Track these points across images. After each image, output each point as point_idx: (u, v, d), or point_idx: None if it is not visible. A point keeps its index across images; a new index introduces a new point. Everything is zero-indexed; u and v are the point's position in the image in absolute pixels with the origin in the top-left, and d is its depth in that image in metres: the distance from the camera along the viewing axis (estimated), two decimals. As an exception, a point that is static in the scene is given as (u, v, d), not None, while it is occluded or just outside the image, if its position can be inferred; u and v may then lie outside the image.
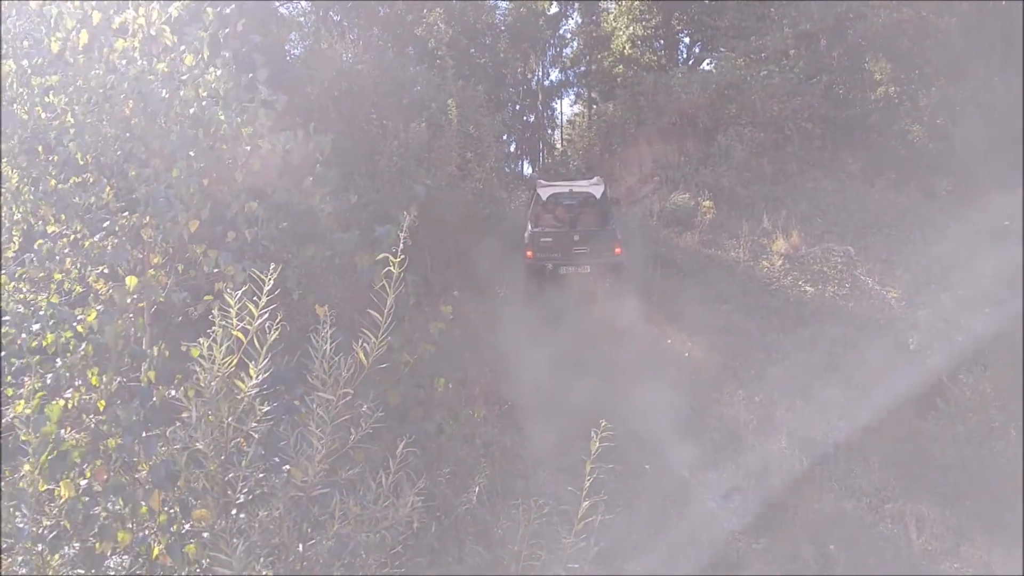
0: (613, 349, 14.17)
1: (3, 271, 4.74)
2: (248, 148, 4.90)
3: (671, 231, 20.02)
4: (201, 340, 3.43)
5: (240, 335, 3.39)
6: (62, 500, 3.54)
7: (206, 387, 3.38)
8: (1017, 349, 11.49)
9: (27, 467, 3.50)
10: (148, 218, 4.64)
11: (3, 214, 4.91)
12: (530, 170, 37.54)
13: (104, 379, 4.28)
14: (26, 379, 4.60)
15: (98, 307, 4.40)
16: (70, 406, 4.28)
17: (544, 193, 17.74)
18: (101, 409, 4.01)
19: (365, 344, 3.56)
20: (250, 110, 5.03)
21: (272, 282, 3.63)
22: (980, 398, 10.34)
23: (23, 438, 3.57)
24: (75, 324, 4.34)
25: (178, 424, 3.50)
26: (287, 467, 3.43)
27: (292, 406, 3.51)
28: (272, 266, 3.45)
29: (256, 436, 3.39)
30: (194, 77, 5.00)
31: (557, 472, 10.27)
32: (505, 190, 21.44)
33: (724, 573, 8.29)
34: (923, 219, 18.19)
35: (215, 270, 4.77)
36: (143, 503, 3.40)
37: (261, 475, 3.43)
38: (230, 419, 3.37)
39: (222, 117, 4.81)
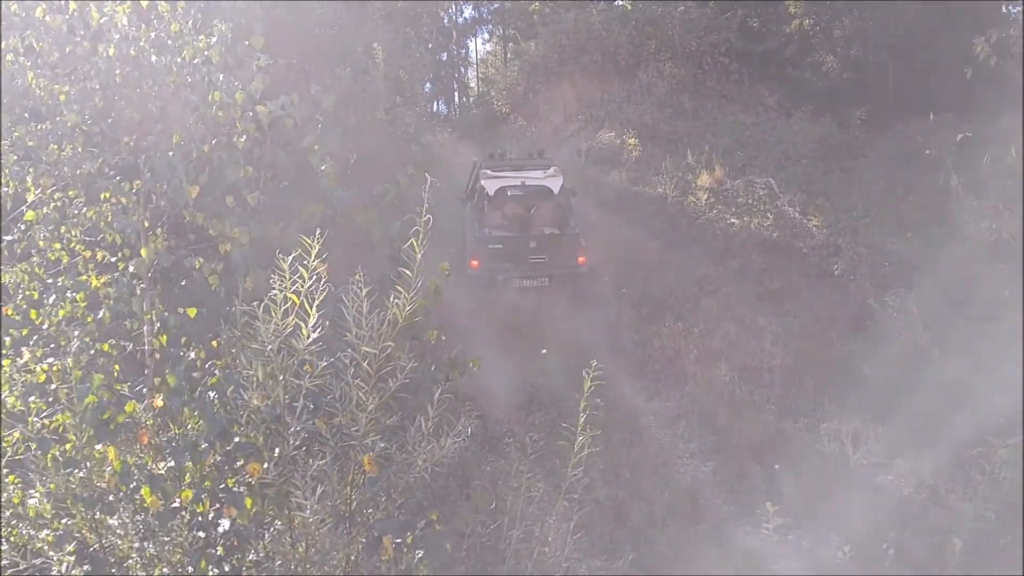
0: (552, 288, 14.43)
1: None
2: (249, 113, 4.94)
3: (599, 169, 20.33)
4: (255, 303, 3.55)
5: (294, 297, 3.53)
6: (113, 465, 3.65)
7: (266, 347, 3.52)
8: (940, 271, 12.17)
9: (72, 436, 3.61)
10: (158, 185, 4.67)
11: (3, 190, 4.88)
12: (445, 110, 37.39)
13: (112, 343, 4.38)
14: (24, 349, 4.66)
15: (107, 276, 4.47)
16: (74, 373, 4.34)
17: (491, 186, 14.64)
18: (116, 374, 4.09)
19: (397, 300, 3.74)
20: (244, 75, 5.05)
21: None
22: (906, 319, 10.92)
23: (61, 395, 3.66)
24: (77, 294, 4.40)
25: (230, 386, 3.63)
26: (336, 418, 3.63)
27: (339, 361, 3.68)
28: (318, 232, 3.57)
29: (307, 390, 3.57)
30: (185, 43, 4.99)
31: (514, 410, 10.63)
32: (432, 133, 21.37)
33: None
34: (840, 148, 18.86)
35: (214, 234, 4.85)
36: (202, 461, 3.54)
37: (310, 426, 3.60)
38: (283, 377, 3.53)
39: (219, 83, 4.84)
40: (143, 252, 4.61)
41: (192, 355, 4.24)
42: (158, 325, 4.46)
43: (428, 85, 32.63)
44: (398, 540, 4.04)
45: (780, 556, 7.82)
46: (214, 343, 4.35)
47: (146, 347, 4.76)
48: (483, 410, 9.72)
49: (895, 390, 10.17)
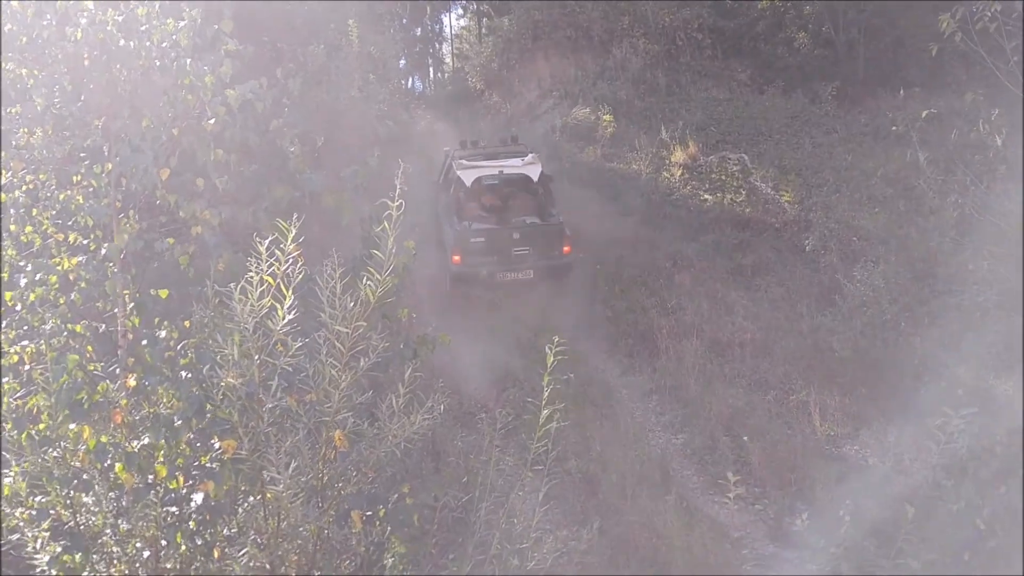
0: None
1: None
2: (218, 97, 4.99)
3: (574, 146, 20.42)
4: (232, 285, 3.64)
5: (270, 279, 3.63)
6: (87, 443, 3.74)
7: (242, 327, 3.62)
8: (907, 245, 12.40)
9: (45, 416, 3.69)
10: (129, 168, 4.72)
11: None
12: (420, 86, 37.24)
13: (84, 324, 4.45)
14: (-2, 331, 4.72)
15: (79, 258, 4.54)
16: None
17: (468, 176, 14.05)
18: (90, 354, 4.17)
19: (369, 282, 3.85)
20: (214, 60, 5.09)
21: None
22: (873, 292, 11.11)
23: (37, 379, 3.75)
24: (49, 275, 4.47)
25: (207, 365, 3.73)
26: (308, 395, 3.75)
27: (312, 340, 3.78)
28: (295, 215, 3.66)
29: (285, 369, 3.68)
30: (153, 27, 5.02)
31: (488, 387, 10.78)
32: (406, 110, 21.34)
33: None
34: (811, 124, 19.01)
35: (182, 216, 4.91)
36: (178, 438, 3.64)
37: (284, 404, 3.71)
38: (258, 357, 3.63)
39: (188, 67, 4.88)
40: (116, 239, 4.66)
41: (164, 334, 4.32)
42: (131, 306, 4.54)
43: (402, 61, 32.49)
44: (368, 513, 4.17)
45: (745, 524, 8.05)
46: (186, 323, 4.43)
47: (119, 328, 4.84)
48: (457, 387, 9.88)
49: (862, 363, 10.40)
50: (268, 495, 3.74)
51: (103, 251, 4.81)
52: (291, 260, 3.66)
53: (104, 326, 4.69)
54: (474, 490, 5.01)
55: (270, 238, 3.68)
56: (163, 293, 4.96)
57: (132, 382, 4.17)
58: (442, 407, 5.10)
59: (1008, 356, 10.09)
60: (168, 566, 3.73)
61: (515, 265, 13.38)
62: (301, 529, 3.72)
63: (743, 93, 21.19)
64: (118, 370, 4.54)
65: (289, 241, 3.68)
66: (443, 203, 14.74)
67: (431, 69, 38.79)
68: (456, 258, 13.29)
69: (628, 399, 11.11)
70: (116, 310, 4.73)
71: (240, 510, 3.88)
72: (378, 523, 4.23)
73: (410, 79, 35.27)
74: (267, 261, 3.63)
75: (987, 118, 9.52)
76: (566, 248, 13.48)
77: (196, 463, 3.81)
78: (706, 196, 17.15)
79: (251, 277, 3.60)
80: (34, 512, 3.64)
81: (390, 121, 13.62)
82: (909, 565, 4.82)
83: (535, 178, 14.23)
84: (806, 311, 12.25)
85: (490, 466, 4.93)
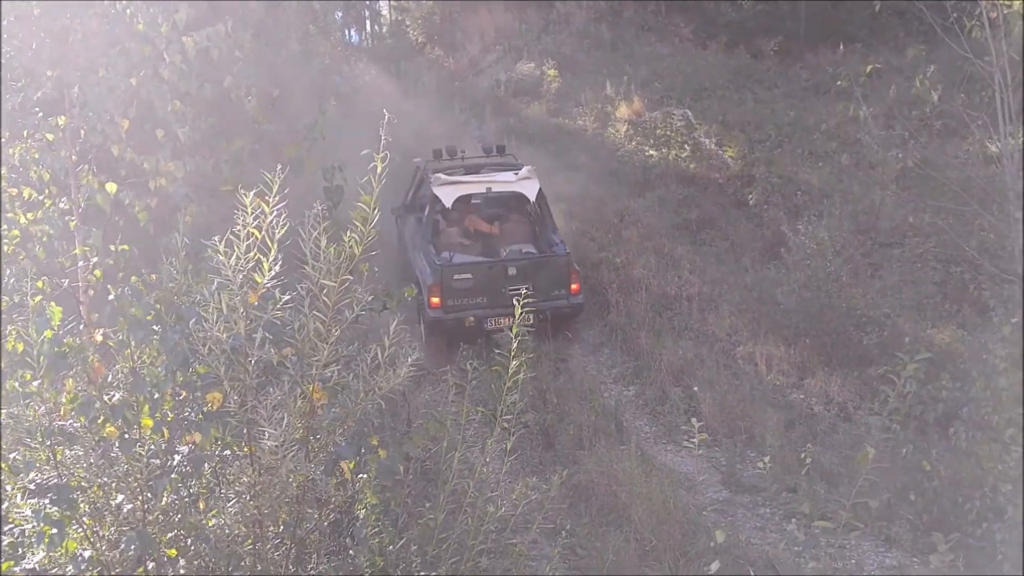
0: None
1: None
2: (173, 45, 4.86)
3: (519, 101, 20.33)
4: (216, 238, 3.60)
5: (256, 232, 3.59)
6: (69, 397, 3.69)
7: (231, 280, 3.59)
8: (849, 198, 12.68)
9: (26, 375, 3.62)
10: (87, 120, 4.60)
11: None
12: (357, 39, 36.53)
13: (45, 280, 4.36)
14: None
15: (33, 213, 4.43)
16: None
17: (447, 195, 11.19)
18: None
19: (353, 234, 3.85)
20: (168, 7, 4.96)
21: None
22: (817, 245, 11.34)
23: (8, 345, 3.67)
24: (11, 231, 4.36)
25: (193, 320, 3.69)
26: (286, 349, 3.75)
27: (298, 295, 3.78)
28: (279, 167, 3.62)
29: (272, 322, 3.67)
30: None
31: (441, 340, 10.82)
32: (347, 64, 21.01)
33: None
34: (753, 79, 19.19)
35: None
36: (164, 391, 3.62)
37: (269, 357, 3.71)
38: (244, 310, 3.60)
39: (142, 15, 4.76)
40: (99, 199, 4.56)
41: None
42: (94, 260, 4.46)
43: (339, 13, 31.76)
44: (351, 465, 4.19)
45: (702, 471, 8.27)
46: (152, 276, 4.37)
47: (80, 283, 4.76)
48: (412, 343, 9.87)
49: (806, 314, 10.64)
50: (251, 448, 3.76)
51: (61, 204, 4.71)
52: (276, 213, 3.64)
53: (67, 281, 4.61)
54: (443, 441, 5.07)
55: (254, 190, 3.64)
56: (123, 247, 4.87)
57: (99, 338, 4.12)
58: (409, 360, 5.14)
59: (946, 305, 10.48)
60: (151, 518, 3.72)
61: (510, 308, 10.26)
62: (290, 479, 3.74)
63: (686, 48, 21.24)
64: (82, 326, 4.47)
65: (274, 193, 3.65)
66: (413, 229, 12.10)
67: (367, 22, 38.06)
68: (435, 300, 10.47)
69: (580, 353, 11.25)
70: (79, 264, 4.65)
71: (223, 462, 3.89)
72: (357, 473, 4.26)
73: (347, 31, 34.60)
74: (251, 213, 3.60)
75: (924, 74, 9.71)
76: (574, 286, 10.90)
77: (180, 416, 3.79)
78: (651, 152, 17.22)
79: (237, 229, 3.58)
80: (16, 466, 3.59)
81: (338, 76, 13.42)
82: (868, 506, 5.01)
83: (532, 197, 11.66)
84: (751, 264, 12.47)
85: (462, 418, 4.99)
